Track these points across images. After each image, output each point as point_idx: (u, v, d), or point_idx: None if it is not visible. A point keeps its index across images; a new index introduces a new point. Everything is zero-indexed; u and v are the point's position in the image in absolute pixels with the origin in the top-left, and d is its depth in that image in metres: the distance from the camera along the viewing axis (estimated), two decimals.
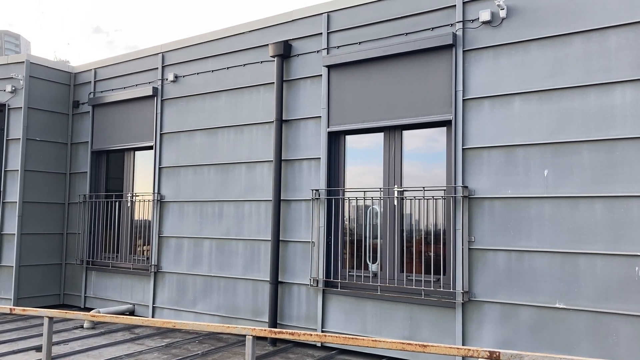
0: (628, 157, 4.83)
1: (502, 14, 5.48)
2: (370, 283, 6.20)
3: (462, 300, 5.48)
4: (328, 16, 6.77)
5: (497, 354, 3.01)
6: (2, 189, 8.90)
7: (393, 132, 6.32)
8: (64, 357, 6.02)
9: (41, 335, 6.63)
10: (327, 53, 6.73)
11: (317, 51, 6.83)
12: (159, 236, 8.14)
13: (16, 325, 7.69)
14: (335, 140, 6.72)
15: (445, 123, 5.92)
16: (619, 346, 4.74)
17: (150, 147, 8.51)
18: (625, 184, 4.82)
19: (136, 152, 8.85)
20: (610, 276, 4.83)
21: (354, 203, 6.56)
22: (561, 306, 5.02)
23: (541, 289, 5.13)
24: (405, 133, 6.28)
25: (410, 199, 6.09)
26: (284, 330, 3.91)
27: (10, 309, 5.03)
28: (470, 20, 5.73)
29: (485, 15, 5.57)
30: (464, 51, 5.73)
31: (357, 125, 6.45)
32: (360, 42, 6.49)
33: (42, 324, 7.07)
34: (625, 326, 4.73)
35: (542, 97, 5.28)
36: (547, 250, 5.13)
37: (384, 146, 6.38)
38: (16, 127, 8.91)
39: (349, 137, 6.69)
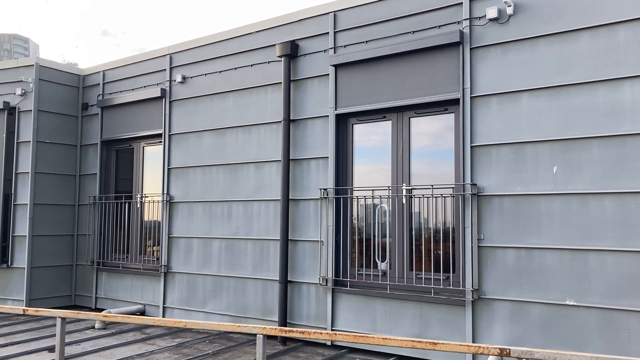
0: (638, 152, 4.80)
1: (509, 10, 5.47)
2: (380, 281, 6.21)
3: (472, 298, 5.47)
4: (335, 15, 6.78)
5: (508, 350, 3.01)
6: (13, 192, 8.98)
7: (401, 119, 6.31)
8: (76, 358, 6.06)
9: (53, 336, 6.69)
10: (334, 52, 6.74)
11: (324, 50, 6.84)
12: (168, 236, 8.18)
13: (28, 326, 7.76)
14: (343, 133, 6.72)
15: (453, 102, 5.89)
16: (630, 342, 4.72)
17: (159, 135, 8.56)
18: (635, 179, 4.80)
19: (145, 149, 8.90)
20: (621, 273, 4.80)
21: (362, 202, 6.56)
22: (572, 303, 5.00)
23: (551, 286, 5.11)
24: (413, 122, 6.25)
25: (419, 197, 6.09)
26: (295, 329, 3.93)
27: (24, 310, 5.08)
28: (477, 18, 5.72)
29: (492, 13, 5.56)
30: (471, 49, 5.72)
31: (365, 106, 6.45)
32: (367, 41, 6.50)
33: (53, 325, 7.13)
34: (637, 322, 4.71)
35: (551, 93, 5.26)
36: (557, 247, 5.11)
37: (391, 141, 6.38)
38: (26, 130, 8.98)
39: (356, 131, 6.69)
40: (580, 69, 5.13)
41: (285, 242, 6.84)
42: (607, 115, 4.96)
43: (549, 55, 5.29)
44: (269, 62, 7.34)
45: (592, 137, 5.02)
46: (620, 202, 4.85)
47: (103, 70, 9.43)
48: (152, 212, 8.55)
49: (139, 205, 8.78)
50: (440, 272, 5.86)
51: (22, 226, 8.85)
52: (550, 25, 5.29)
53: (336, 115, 6.65)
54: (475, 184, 5.60)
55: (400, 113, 6.34)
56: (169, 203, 8.23)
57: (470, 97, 5.69)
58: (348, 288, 6.39)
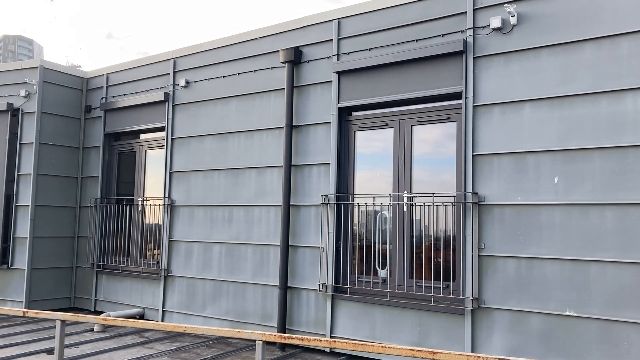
0: (639, 164, 4.80)
1: (513, 20, 5.49)
2: (380, 289, 6.20)
3: (472, 307, 5.47)
4: (338, 23, 6.81)
5: None
6: (15, 193, 9.00)
7: (403, 126, 6.33)
8: None
9: (51, 338, 6.70)
10: (338, 59, 6.76)
11: (328, 57, 6.86)
12: (169, 240, 8.19)
13: (27, 327, 7.75)
14: (345, 139, 6.72)
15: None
16: (630, 354, 4.71)
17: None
18: (636, 191, 4.80)
19: (147, 152, 8.92)
20: (621, 284, 4.80)
21: (363, 208, 6.56)
22: (571, 314, 4.99)
23: (551, 296, 5.10)
24: (415, 130, 6.26)
25: (420, 205, 6.09)
26: (294, 336, 3.93)
27: (23, 312, 5.09)
28: (480, 27, 5.74)
29: (495, 22, 5.57)
30: (474, 58, 5.74)
31: (367, 100, 6.48)
32: (370, 49, 6.52)
33: (52, 327, 7.13)
34: (637, 334, 4.70)
35: (553, 103, 5.27)
36: (558, 257, 5.10)
37: (393, 148, 6.39)
38: (29, 132, 9.01)
39: (358, 137, 6.70)
40: (582, 79, 5.14)
41: (286, 247, 6.84)
42: (609, 127, 4.97)
43: (552, 66, 5.30)
44: (272, 67, 7.36)
45: (593, 148, 5.03)
46: (621, 213, 4.85)
47: (107, 73, 9.46)
48: (153, 216, 8.56)
49: (140, 209, 8.79)
50: (440, 280, 5.86)
51: (23, 227, 8.86)
52: (554, 36, 5.31)
53: (339, 110, 6.66)
54: (477, 193, 5.60)
55: (403, 121, 6.35)
56: (170, 207, 8.23)
57: (473, 106, 5.70)
58: (348, 295, 6.39)
